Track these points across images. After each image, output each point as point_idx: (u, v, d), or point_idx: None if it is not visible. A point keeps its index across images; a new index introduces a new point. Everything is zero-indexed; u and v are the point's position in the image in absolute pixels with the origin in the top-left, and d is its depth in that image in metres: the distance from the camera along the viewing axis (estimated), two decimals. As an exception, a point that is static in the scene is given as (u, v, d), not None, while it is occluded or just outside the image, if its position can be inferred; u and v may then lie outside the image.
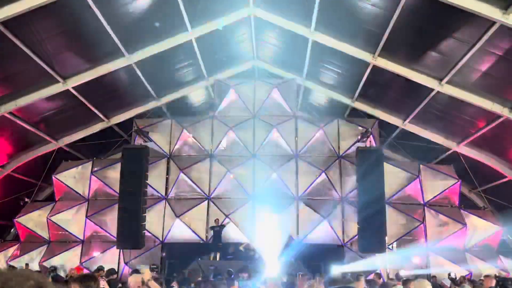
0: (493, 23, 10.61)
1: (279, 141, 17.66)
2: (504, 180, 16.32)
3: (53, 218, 17.09)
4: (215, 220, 15.96)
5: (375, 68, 15.14)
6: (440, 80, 13.88)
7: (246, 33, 17.70)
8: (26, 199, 18.30)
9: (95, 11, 12.31)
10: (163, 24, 14.95)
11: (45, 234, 17.36)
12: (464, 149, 16.79)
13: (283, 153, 17.61)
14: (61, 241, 17.38)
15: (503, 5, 10.05)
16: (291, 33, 15.83)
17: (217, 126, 17.93)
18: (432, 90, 14.57)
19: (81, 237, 17.18)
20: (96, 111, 17.29)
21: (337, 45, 15.02)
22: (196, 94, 21.10)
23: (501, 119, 13.81)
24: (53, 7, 11.48)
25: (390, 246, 16.14)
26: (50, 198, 18.61)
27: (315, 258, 15.78)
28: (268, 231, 16.58)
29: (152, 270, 15.38)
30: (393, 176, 16.67)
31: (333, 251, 16.48)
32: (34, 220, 17.47)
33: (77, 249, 17.05)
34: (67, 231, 17.16)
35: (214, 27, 15.74)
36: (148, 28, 14.75)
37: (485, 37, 11.16)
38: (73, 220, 17.31)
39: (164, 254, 16.85)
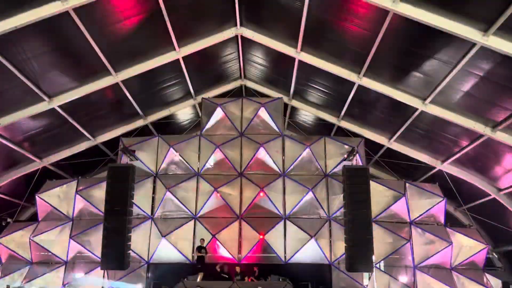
0: (473, 44, 10.91)
1: (266, 160, 17.67)
2: (488, 198, 16.54)
3: (36, 239, 16.73)
4: (200, 240, 15.76)
5: (361, 88, 15.40)
6: (424, 99, 14.17)
7: (233, 52, 17.90)
8: (9, 219, 17.90)
9: (82, 30, 12.36)
10: (150, 43, 15.06)
11: (27, 255, 16.95)
12: (448, 168, 17.02)
13: (270, 171, 17.61)
14: (43, 262, 16.98)
15: (483, 27, 10.36)
16: (278, 52, 16.06)
17: (204, 144, 17.89)
18: (416, 109, 14.84)
19: (65, 258, 16.81)
20: (82, 130, 17.17)
21: (323, 65, 15.27)
22: (183, 113, 21.12)
23: (483, 138, 14.08)
24: (40, 26, 11.49)
25: (377, 265, 16.13)
26: (33, 218, 18.24)
27: (302, 278, 15.63)
28: (256, 250, 16.50)
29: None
30: (379, 195, 16.76)
31: (320, 270, 16.38)
32: (16, 240, 17.07)
33: (60, 271, 16.66)
34: (50, 251, 16.79)
35: (202, 46, 15.90)
36: (135, 47, 14.83)
37: (466, 58, 11.46)
38: (57, 241, 16.95)
39: (149, 274, 16.56)
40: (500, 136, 13.40)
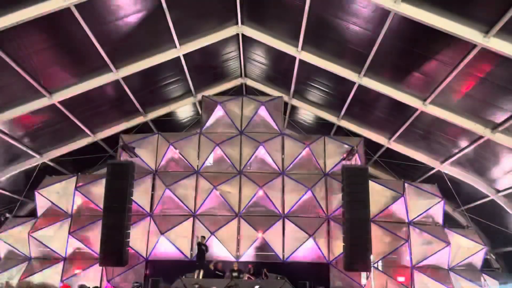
0: (474, 46, 10.91)
1: (266, 158, 17.69)
2: (487, 199, 16.57)
3: (35, 234, 16.73)
4: (201, 238, 15.77)
5: (361, 88, 15.40)
6: (424, 100, 14.17)
7: (234, 51, 17.89)
8: (7, 215, 17.91)
9: (83, 26, 12.35)
10: (151, 40, 15.06)
11: (25, 250, 16.96)
12: (447, 168, 17.04)
13: (270, 170, 17.63)
14: (42, 258, 17.00)
15: (484, 29, 10.37)
16: (278, 51, 16.06)
17: (204, 142, 17.90)
18: (416, 110, 14.85)
19: (63, 254, 16.82)
20: (82, 126, 17.17)
21: (324, 64, 15.28)
22: (183, 110, 21.13)
23: (483, 139, 14.09)
24: (41, 22, 11.49)
25: (375, 265, 16.17)
26: (32, 214, 18.24)
27: (300, 276, 15.66)
28: (254, 248, 16.53)
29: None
30: (378, 194, 16.78)
31: (318, 269, 16.42)
32: (14, 236, 17.07)
33: (59, 266, 16.67)
34: (48, 247, 16.80)
35: (202, 44, 15.91)
36: (136, 44, 14.83)
37: (467, 60, 11.46)
38: (55, 237, 16.95)
39: (147, 271, 16.58)
40: (499, 137, 13.41)
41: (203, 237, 15.71)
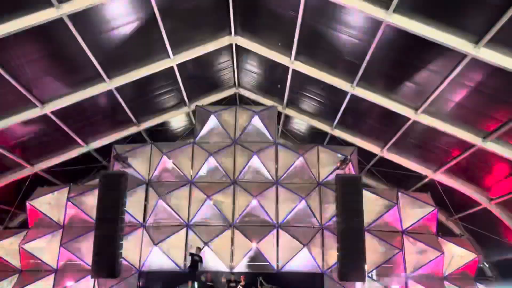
0: (464, 56, 11.05)
1: (260, 168, 17.67)
2: (479, 207, 16.65)
3: (26, 246, 16.50)
4: (197, 248, 15.64)
5: (354, 97, 15.50)
6: (416, 109, 14.29)
7: (228, 61, 17.96)
8: (-2, 226, 17.71)
9: (76, 36, 12.35)
10: (144, 50, 15.08)
11: (16, 262, 16.70)
12: (440, 177, 17.13)
13: (264, 179, 17.60)
14: (33, 270, 16.74)
15: (474, 39, 10.53)
16: (272, 61, 16.15)
17: (198, 152, 17.85)
18: (409, 119, 14.96)
19: (55, 266, 16.59)
20: (74, 136, 17.08)
21: (317, 74, 15.37)
22: (177, 120, 21.11)
23: (474, 148, 14.21)
24: (34, 32, 11.47)
25: (370, 274, 16.12)
26: (23, 225, 18.02)
27: (295, 286, 15.58)
28: (248, 258, 16.44)
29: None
30: (371, 204, 16.77)
31: (313, 279, 16.33)
32: (5, 248, 16.80)
33: (50, 279, 16.42)
34: (40, 259, 16.56)
35: (196, 54, 15.96)
36: (130, 54, 14.84)
37: (458, 69, 11.61)
38: (47, 248, 16.72)
39: (140, 283, 16.38)
40: (490, 146, 13.54)
41: (199, 248, 15.59)
